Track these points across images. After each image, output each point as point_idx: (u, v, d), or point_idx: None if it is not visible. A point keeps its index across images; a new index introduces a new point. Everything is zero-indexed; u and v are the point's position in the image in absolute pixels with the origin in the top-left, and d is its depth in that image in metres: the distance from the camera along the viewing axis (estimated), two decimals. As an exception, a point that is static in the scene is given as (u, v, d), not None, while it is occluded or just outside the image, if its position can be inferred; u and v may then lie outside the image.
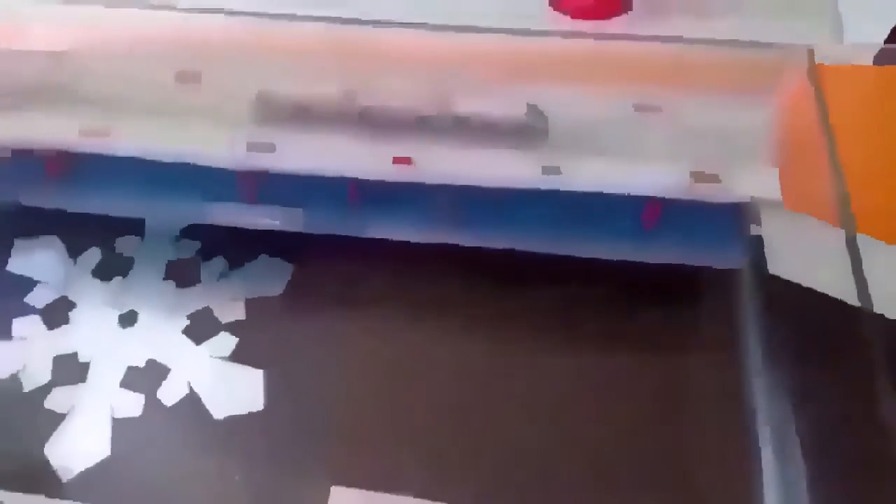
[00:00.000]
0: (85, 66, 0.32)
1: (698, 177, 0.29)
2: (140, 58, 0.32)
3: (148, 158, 0.31)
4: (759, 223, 0.31)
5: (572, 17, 0.34)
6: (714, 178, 0.29)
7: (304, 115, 0.31)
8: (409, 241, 0.34)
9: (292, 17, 0.31)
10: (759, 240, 0.31)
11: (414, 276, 0.35)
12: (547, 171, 0.30)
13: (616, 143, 0.30)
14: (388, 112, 0.31)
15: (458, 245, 0.34)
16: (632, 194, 0.30)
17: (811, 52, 0.32)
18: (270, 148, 0.31)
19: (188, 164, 0.32)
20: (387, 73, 0.31)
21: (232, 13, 0.31)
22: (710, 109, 0.31)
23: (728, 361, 0.31)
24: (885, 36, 0.34)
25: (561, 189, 0.30)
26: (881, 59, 0.34)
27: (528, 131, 0.30)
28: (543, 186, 0.30)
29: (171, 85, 0.32)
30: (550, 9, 0.34)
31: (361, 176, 0.31)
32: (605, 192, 0.30)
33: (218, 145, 0.31)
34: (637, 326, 0.33)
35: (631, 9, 0.34)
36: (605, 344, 0.33)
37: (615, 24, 0.34)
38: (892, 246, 0.30)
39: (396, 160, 0.30)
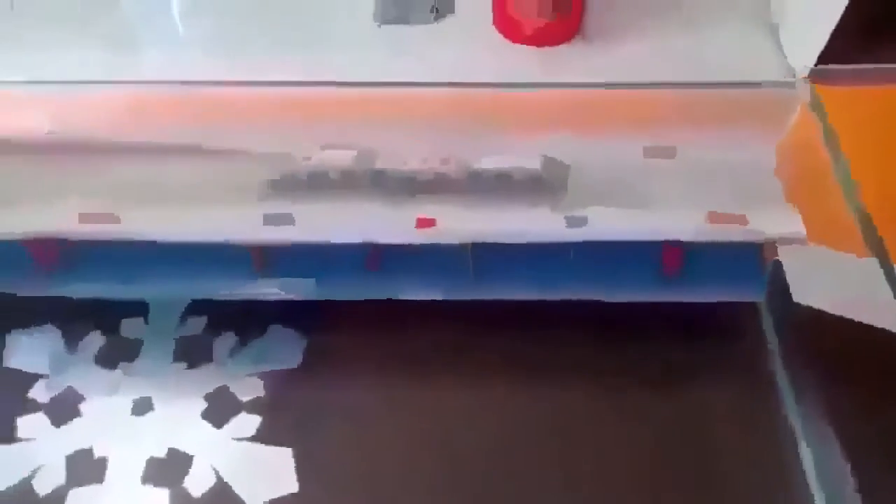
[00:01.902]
0: (74, 149, 0.30)
1: (716, 217, 0.29)
2: (136, 136, 0.30)
3: (159, 241, 0.30)
4: (777, 256, 0.31)
5: (525, 44, 0.34)
6: (733, 218, 0.29)
7: (319, 183, 0.30)
8: (426, 301, 0.33)
9: (294, 84, 0.30)
10: (780, 273, 0.31)
11: (434, 335, 0.34)
12: (571, 222, 0.29)
13: (633, 190, 0.30)
14: (405, 173, 0.30)
15: (478, 300, 0.33)
16: (654, 240, 0.30)
17: (812, 84, 0.33)
18: (289, 220, 0.29)
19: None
20: (399, 132, 0.30)
21: (234, 84, 0.30)
22: (720, 149, 0.31)
23: (764, 396, 0.31)
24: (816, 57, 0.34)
25: (585, 240, 0.29)
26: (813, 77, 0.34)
27: (547, 182, 0.30)
28: (568, 239, 0.29)
29: (176, 162, 0.30)
30: (501, 36, 0.34)
31: (385, 241, 0.30)
32: (627, 240, 0.30)
33: (231, 222, 0.30)
34: (667, 366, 0.33)
35: (583, 35, 0.34)
36: (640, 387, 0.33)
37: (568, 50, 0.34)
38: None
39: (420, 223, 0.29)
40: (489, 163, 0.30)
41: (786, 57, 0.34)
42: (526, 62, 0.33)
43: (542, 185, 0.30)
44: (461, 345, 0.34)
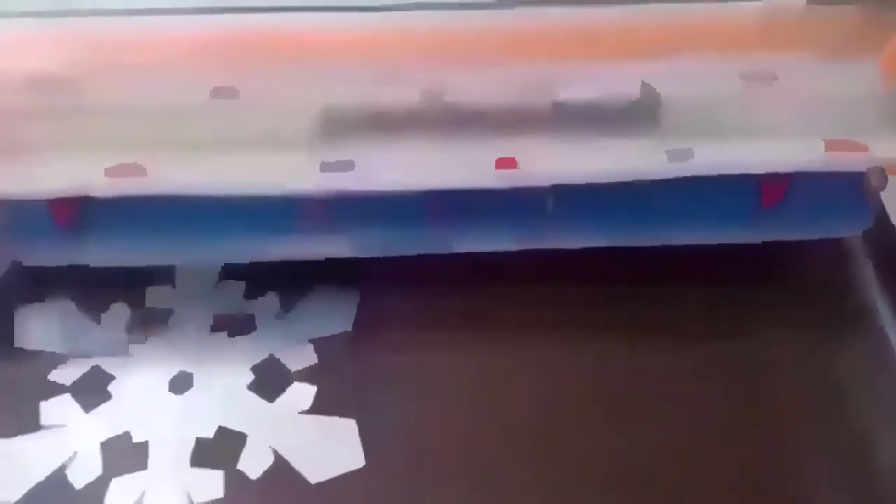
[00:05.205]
0: (97, 91, 0.26)
1: (833, 145, 0.27)
2: (167, 75, 0.27)
3: (198, 195, 0.26)
4: (884, 188, 0.29)
5: None
6: (852, 146, 0.27)
7: (381, 124, 0.26)
8: (488, 252, 0.30)
9: (346, 10, 0.27)
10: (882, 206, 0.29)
11: (500, 289, 0.31)
12: (674, 156, 0.26)
13: (738, 118, 0.27)
14: (480, 108, 0.27)
15: (547, 249, 0.30)
16: (767, 172, 0.27)
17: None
18: (349, 166, 0.26)
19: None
20: (472, 62, 0.27)
21: (274, 10, 0.26)
22: (824, 71, 0.28)
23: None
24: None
25: (690, 175, 0.27)
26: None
27: (645, 112, 0.27)
28: (671, 175, 0.27)
29: (208, 104, 0.27)
30: None
31: (459, 186, 0.27)
32: (733, 172, 0.27)
33: (283, 170, 0.26)
34: (758, 311, 0.30)
35: None
36: (734, 332, 0.30)
37: None
38: None
39: (500, 163, 0.26)
40: (576, 93, 0.27)
41: None
42: None
43: (640, 115, 0.27)
44: (528, 298, 0.31)
